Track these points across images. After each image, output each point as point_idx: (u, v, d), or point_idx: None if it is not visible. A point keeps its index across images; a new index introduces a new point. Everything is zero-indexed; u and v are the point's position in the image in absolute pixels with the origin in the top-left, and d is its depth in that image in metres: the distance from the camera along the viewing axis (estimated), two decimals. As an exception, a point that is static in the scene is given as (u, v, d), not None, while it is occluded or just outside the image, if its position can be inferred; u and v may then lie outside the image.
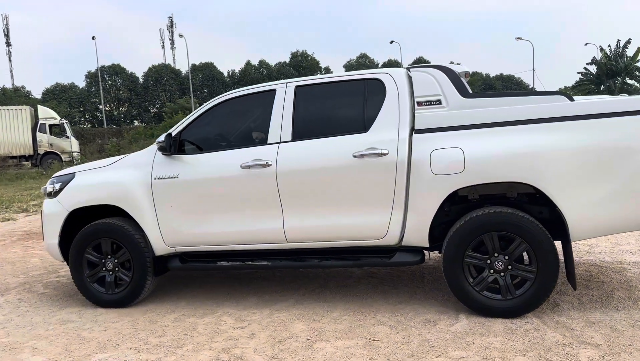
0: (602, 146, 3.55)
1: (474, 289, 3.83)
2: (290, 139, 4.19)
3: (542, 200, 3.93)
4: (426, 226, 3.89)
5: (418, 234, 3.93)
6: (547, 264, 3.66)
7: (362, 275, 5.08)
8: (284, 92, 4.32)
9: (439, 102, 3.96)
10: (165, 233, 4.46)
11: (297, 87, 4.31)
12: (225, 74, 74.07)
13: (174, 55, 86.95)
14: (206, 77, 72.27)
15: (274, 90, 4.37)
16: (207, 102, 4.59)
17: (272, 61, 76.65)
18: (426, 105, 3.98)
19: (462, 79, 4.08)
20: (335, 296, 4.53)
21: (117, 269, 4.61)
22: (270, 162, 4.16)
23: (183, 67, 73.32)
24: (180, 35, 44.75)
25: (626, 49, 40.81)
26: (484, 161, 3.71)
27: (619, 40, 41.44)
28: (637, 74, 40.34)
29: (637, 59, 39.85)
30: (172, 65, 74.07)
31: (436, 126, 3.87)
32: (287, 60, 76.50)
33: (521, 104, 3.80)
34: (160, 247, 4.51)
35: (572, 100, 3.74)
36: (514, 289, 3.76)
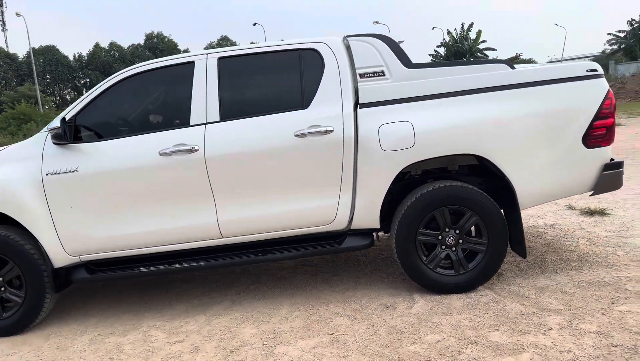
0: (546, 113, 3.58)
1: (428, 267, 3.69)
2: (218, 119, 3.65)
3: (482, 171, 3.92)
4: (377, 206, 3.65)
5: (368, 215, 3.68)
6: (497, 235, 3.63)
7: (296, 264, 4.72)
8: (205, 64, 3.75)
9: (382, 73, 3.70)
10: (65, 239, 3.67)
11: (220, 58, 3.77)
12: (71, 58, 67.35)
13: (6, 38, 76.95)
14: (48, 62, 65.03)
15: (192, 62, 3.77)
16: (107, 78, 3.83)
17: (125, 43, 71.46)
18: (369, 77, 3.70)
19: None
20: (275, 290, 4.12)
21: (3, 289, 3.71)
22: (197, 147, 3.58)
23: (17, 51, 65.23)
24: (18, 14, 39.33)
25: (469, 32, 44.85)
26: (434, 134, 3.55)
27: (463, 24, 45.42)
28: (480, 55, 44.60)
29: (479, 41, 44.06)
30: (6, 49, 65.39)
31: (382, 99, 3.62)
32: (142, 42, 71.88)
33: (464, 73, 3.70)
34: (60, 257, 3.71)
35: (513, 68, 3.72)
36: (466, 263, 3.69)
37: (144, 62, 3.92)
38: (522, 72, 3.63)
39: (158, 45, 70.29)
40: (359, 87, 3.66)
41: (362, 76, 3.70)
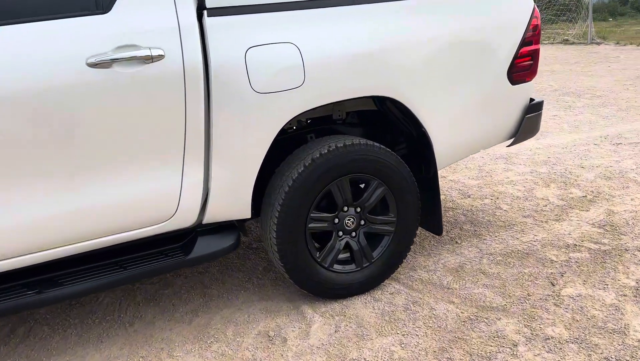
0: (469, 33, 2.56)
1: (323, 266, 2.48)
2: None
3: (375, 120, 2.81)
4: (249, 184, 2.24)
5: (234, 199, 2.24)
6: (408, 209, 2.59)
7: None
8: None
9: (240, -45, 2.16)
10: None
11: None
12: None
13: None
14: None
15: None
16: None
17: None
18: (219, -40, 2.13)
19: None
20: (70, 332, 2.42)
21: None
22: None
23: None
24: None
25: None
26: (333, 65, 2.23)
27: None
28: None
29: None
30: None
31: (246, 2, 2.11)
32: None
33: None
34: None
35: None
36: (370, 251, 2.59)
37: None
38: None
39: None
40: (203, -22, 2.07)
41: (206, -42, 2.11)
